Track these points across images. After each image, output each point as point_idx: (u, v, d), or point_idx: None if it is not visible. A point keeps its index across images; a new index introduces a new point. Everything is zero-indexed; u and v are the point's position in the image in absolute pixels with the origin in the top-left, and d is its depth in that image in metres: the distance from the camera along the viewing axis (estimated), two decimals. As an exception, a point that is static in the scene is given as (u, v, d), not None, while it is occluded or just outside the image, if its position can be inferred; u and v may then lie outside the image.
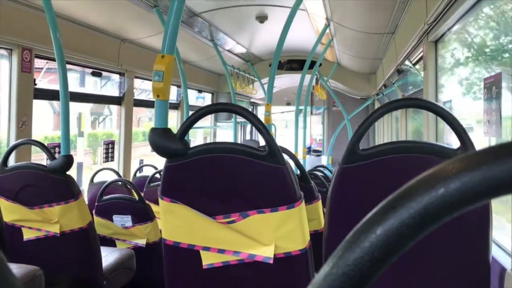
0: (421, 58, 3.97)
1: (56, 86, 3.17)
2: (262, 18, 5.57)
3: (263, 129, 1.52)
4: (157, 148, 1.58)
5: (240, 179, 1.53)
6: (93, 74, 4.92)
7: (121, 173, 5.07)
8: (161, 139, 1.57)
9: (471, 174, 0.29)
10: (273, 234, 1.53)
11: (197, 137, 9.64)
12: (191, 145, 1.58)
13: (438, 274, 1.40)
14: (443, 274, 1.40)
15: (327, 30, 5.65)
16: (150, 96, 6.55)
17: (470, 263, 1.39)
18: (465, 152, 1.38)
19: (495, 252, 1.90)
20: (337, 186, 1.48)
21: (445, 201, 0.30)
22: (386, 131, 8.55)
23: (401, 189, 0.32)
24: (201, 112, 1.56)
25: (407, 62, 4.68)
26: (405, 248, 0.31)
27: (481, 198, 0.30)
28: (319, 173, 4.21)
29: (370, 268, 0.31)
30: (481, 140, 2.50)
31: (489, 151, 0.30)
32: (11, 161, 3.28)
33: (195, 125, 1.63)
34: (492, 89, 2.14)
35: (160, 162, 2.35)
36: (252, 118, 1.56)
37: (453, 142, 3.11)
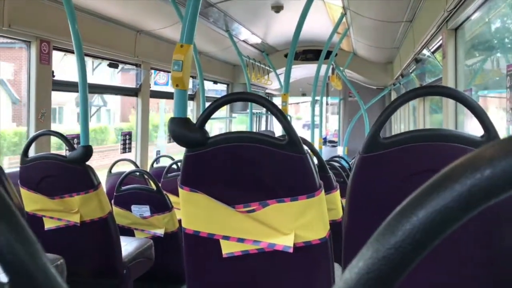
0: (440, 46, 3.91)
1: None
2: (277, 8, 5.53)
3: (283, 118, 1.51)
4: (177, 137, 1.58)
5: (260, 168, 1.53)
6: (110, 65, 4.95)
7: (138, 164, 5.11)
8: (180, 128, 1.57)
9: None
10: (293, 223, 1.52)
11: (212, 129, 9.66)
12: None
13: (462, 267, 1.38)
14: (466, 267, 1.38)
15: (344, 19, 5.60)
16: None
17: (496, 257, 1.37)
18: (489, 140, 1.35)
19: None
20: (358, 175, 1.47)
21: (492, 183, 0.29)
22: (403, 121, 8.46)
23: (444, 170, 0.31)
24: (221, 101, 1.56)
25: (425, 51, 4.61)
26: (448, 231, 0.30)
27: None
28: (336, 164, 4.19)
29: (412, 251, 0.30)
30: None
31: None
32: (31, 152, 3.33)
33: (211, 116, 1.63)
34: (515, 76, 2.10)
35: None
36: (271, 107, 1.55)
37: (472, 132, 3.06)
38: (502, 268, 1.38)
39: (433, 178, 0.31)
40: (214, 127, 10.19)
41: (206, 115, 1.56)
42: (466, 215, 0.30)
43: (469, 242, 1.36)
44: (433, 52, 4.33)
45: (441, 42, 3.75)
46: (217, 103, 1.54)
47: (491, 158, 0.29)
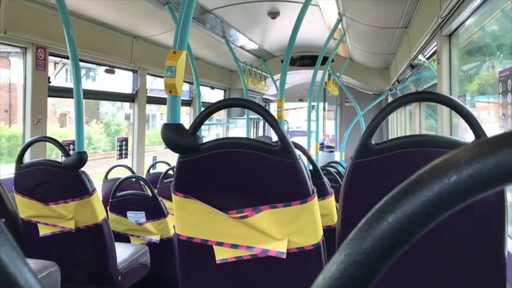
0: (434, 52, 3.93)
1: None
2: (274, 14, 5.55)
3: (275, 124, 1.52)
4: (170, 143, 1.58)
5: (252, 174, 1.53)
6: (107, 71, 4.96)
7: (134, 169, 5.11)
8: (173, 134, 1.57)
9: (484, 160, 0.29)
10: (286, 229, 1.52)
11: (209, 135, 9.66)
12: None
13: (451, 268, 1.39)
14: (456, 268, 1.39)
15: (340, 25, 5.62)
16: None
17: (485, 258, 1.37)
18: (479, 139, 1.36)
19: (511, 248, 1.87)
20: (350, 181, 1.47)
21: (458, 188, 0.29)
22: (399, 126, 8.48)
23: (413, 176, 0.31)
24: (213, 108, 1.56)
25: (420, 57, 4.63)
26: (418, 236, 0.31)
27: (495, 184, 0.29)
28: (332, 169, 4.19)
29: (382, 256, 0.31)
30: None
31: (502, 137, 0.29)
32: (27, 158, 3.32)
33: (208, 122, 1.63)
34: (508, 82, 2.11)
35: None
36: (264, 113, 1.56)
37: (467, 137, 3.07)
38: (475, 270, 1.38)
39: (404, 183, 0.31)
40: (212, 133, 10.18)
41: (199, 121, 1.56)
42: (434, 220, 0.30)
43: (443, 246, 1.36)
44: (428, 58, 4.35)
45: (435, 48, 3.77)
46: (210, 110, 1.55)
47: (458, 163, 0.30)
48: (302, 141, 6.01)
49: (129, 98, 5.47)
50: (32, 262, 2.34)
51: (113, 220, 3.29)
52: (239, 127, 10.63)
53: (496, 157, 0.29)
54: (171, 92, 1.73)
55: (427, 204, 0.30)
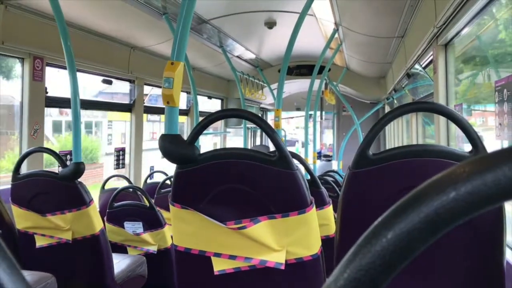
0: (431, 62, 3.95)
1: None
2: (270, 24, 5.57)
3: (273, 134, 1.52)
4: (167, 154, 1.58)
5: (250, 185, 1.53)
6: (104, 81, 4.97)
7: (132, 179, 5.09)
8: (171, 145, 1.57)
9: (482, 177, 0.29)
10: (285, 239, 1.52)
11: (206, 143, 9.65)
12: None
13: (450, 277, 1.38)
14: (455, 279, 1.39)
15: (336, 35, 5.65)
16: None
17: (483, 269, 1.37)
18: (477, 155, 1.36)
19: (509, 257, 1.87)
20: (348, 191, 1.47)
21: (457, 205, 0.29)
22: (397, 134, 8.50)
23: (412, 192, 0.31)
24: (211, 118, 1.56)
25: (417, 66, 4.65)
26: (417, 252, 0.31)
27: (493, 201, 0.29)
28: (329, 178, 4.19)
29: (382, 272, 0.30)
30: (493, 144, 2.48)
31: (500, 153, 0.30)
32: (23, 169, 3.31)
33: (205, 131, 1.63)
34: (504, 92, 2.13)
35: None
36: (261, 123, 1.56)
37: (464, 146, 3.08)
38: (474, 280, 1.38)
39: (402, 199, 0.31)
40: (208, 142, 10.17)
41: (197, 131, 1.56)
42: (434, 236, 0.30)
43: (442, 255, 1.36)
44: (424, 67, 4.37)
45: (432, 57, 3.79)
46: (208, 120, 1.55)
47: (456, 180, 0.30)
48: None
49: (126, 108, 5.47)
50: (29, 274, 2.32)
51: (110, 230, 3.27)
52: (232, 135, 10.58)
53: (495, 174, 0.29)
54: (168, 103, 1.73)
55: (426, 221, 0.30)
